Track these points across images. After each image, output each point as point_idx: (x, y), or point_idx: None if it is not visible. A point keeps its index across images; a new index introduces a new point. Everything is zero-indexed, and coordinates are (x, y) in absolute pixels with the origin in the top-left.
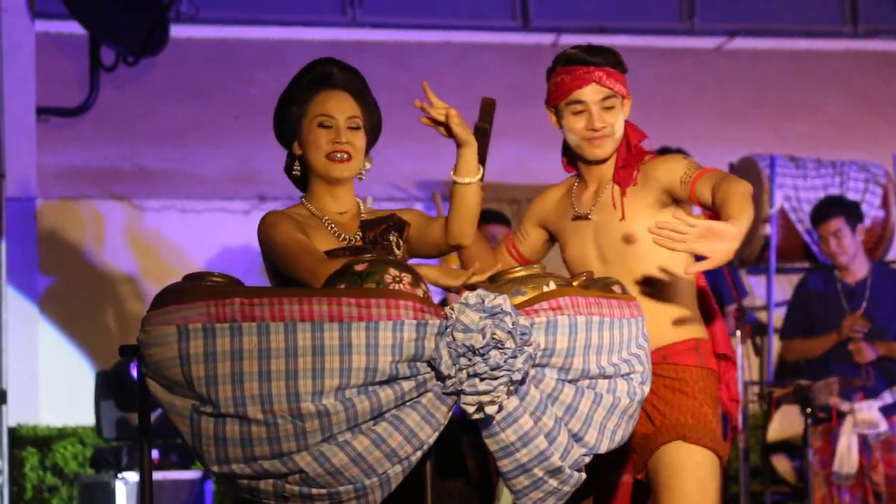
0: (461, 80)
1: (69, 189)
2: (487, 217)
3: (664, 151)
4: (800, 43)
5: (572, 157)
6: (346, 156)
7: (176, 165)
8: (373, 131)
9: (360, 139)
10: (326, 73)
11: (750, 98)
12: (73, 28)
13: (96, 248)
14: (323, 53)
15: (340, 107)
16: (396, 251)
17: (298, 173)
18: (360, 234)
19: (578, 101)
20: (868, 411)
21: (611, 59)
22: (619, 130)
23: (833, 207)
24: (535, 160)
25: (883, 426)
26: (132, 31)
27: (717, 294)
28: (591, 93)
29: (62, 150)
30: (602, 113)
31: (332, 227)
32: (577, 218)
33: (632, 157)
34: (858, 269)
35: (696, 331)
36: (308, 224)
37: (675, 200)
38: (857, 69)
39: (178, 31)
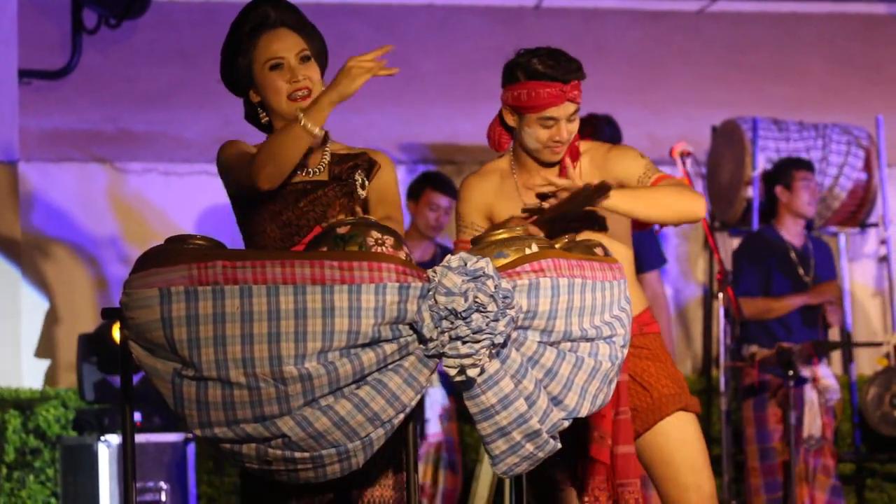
0: (444, 43)
1: (51, 152)
2: (436, 183)
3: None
4: (783, 6)
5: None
6: (306, 91)
7: (159, 128)
8: (321, 57)
9: (313, 70)
10: (263, 14)
11: (733, 61)
12: None
13: (79, 211)
14: (307, 17)
15: (286, 44)
16: (361, 191)
17: (266, 120)
18: (329, 164)
19: (551, 118)
20: (828, 377)
21: (579, 73)
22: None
23: (802, 161)
24: None
25: (837, 392)
26: None
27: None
28: (563, 110)
29: (44, 112)
30: (567, 125)
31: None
32: (528, 210)
33: (570, 155)
34: (801, 231)
35: (644, 300)
36: None
37: None
38: (841, 32)
39: None
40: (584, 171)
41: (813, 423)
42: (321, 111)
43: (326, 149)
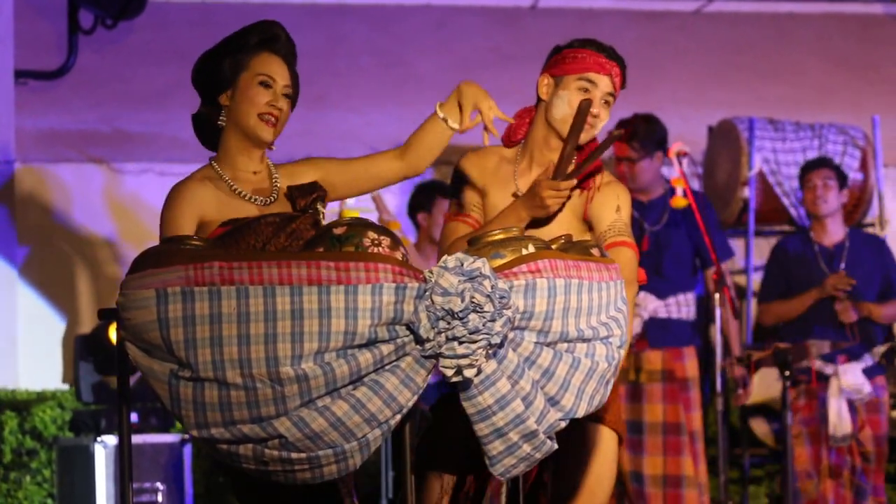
0: (441, 43)
1: (47, 152)
2: (444, 190)
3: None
4: (780, 6)
5: (532, 131)
6: (274, 119)
7: (155, 129)
8: (294, 100)
9: (288, 107)
10: (275, 35)
11: (730, 61)
12: None
13: (75, 212)
14: (303, 17)
15: (281, 72)
16: (321, 221)
17: (223, 124)
18: (289, 197)
19: (591, 81)
20: (852, 375)
21: (624, 70)
22: (599, 130)
23: (826, 161)
24: None
25: (867, 389)
26: None
27: (700, 258)
28: (604, 81)
29: (41, 113)
30: (601, 104)
31: (241, 192)
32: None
33: (594, 169)
34: (836, 231)
35: None
36: (218, 195)
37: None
38: (837, 32)
39: None
40: (573, 192)
41: (839, 422)
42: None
43: (275, 175)
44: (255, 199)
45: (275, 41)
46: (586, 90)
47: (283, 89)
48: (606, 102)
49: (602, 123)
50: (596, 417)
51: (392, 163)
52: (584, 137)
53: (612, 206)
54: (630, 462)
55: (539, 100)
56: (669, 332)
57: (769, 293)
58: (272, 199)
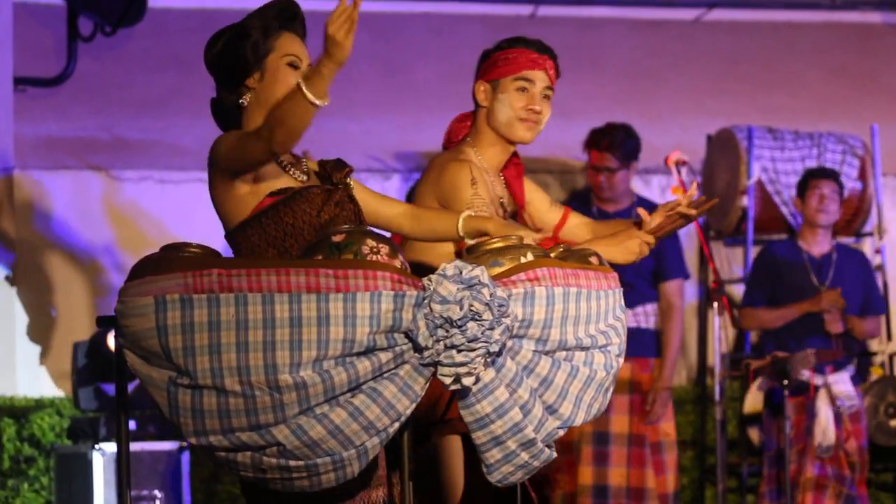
0: (441, 51)
1: (46, 159)
2: None
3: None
4: (779, 14)
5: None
6: None
7: (154, 136)
8: None
9: None
10: (294, 14)
11: (728, 70)
12: None
13: (74, 219)
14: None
15: (304, 53)
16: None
17: (246, 103)
18: (321, 172)
19: (528, 80)
20: (842, 385)
21: (556, 61)
22: (543, 126)
23: (829, 172)
24: None
25: (856, 399)
26: (111, 0)
27: (660, 269)
28: (540, 77)
29: (39, 120)
30: (541, 100)
31: (284, 164)
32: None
33: (517, 172)
34: (824, 242)
35: None
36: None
37: None
38: (836, 41)
39: (155, 1)
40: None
41: (824, 432)
42: (322, 82)
43: (301, 155)
44: (295, 174)
45: (294, 20)
46: (525, 89)
47: (307, 68)
48: (546, 97)
49: (545, 118)
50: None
51: (400, 220)
52: (528, 137)
53: (533, 186)
54: (594, 475)
55: (478, 106)
56: (637, 342)
57: (755, 298)
58: (305, 175)
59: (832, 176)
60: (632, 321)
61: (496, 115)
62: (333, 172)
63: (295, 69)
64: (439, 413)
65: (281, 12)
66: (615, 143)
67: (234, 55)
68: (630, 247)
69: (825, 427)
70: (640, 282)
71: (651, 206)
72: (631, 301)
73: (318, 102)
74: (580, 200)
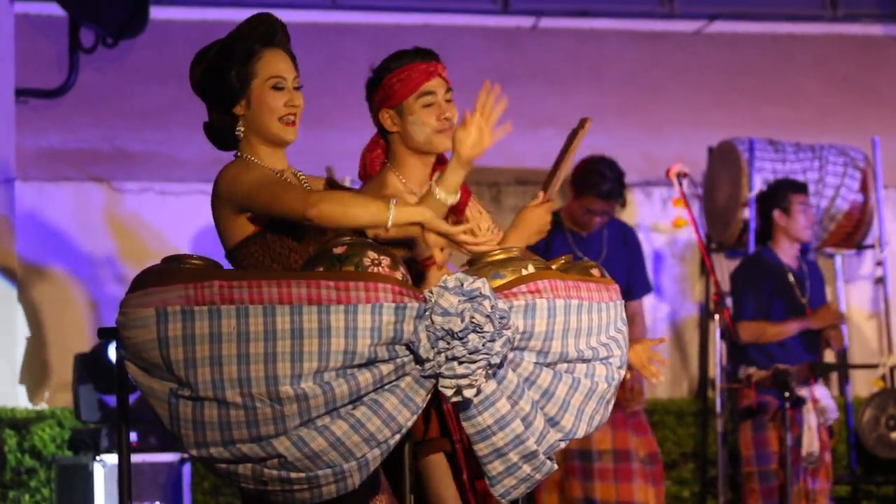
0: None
1: (48, 171)
2: None
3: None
4: (780, 27)
5: (393, 157)
6: (294, 118)
7: (155, 147)
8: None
9: (302, 99)
10: (272, 30)
11: (730, 82)
12: (53, 9)
13: (75, 231)
14: (302, 36)
15: (287, 67)
16: None
17: (241, 132)
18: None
19: (429, 93)
20: (824, 397)
21: (438, 57)
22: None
23: (798, 184)
24: (515, 143)
25: (835, 412)
26: (112, 12)
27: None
28: (438, 85)
29: (41, 131)
30: (447, 105)
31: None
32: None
33: (467, 197)
34: (796, 253)
35: None
36: None
37: None
38: (837, 53)
39: (157, 12)
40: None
41: (811, 443)
42: (409, 214)
43: (300, 174)
44: None
45: (273, 35)
46: (430, 103)
47: (294, 83)
48: (449, 101)
49: (456, 118)
50: None
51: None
52: (449, 145)
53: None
54: (581, 488)
55: (389, 132)
56: None
57: (750, 310)
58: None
59: (806, 189)
60: None
61: (413, 136)
62: None
63: (280, 90)
64: (419, 434)
65: (260, 32)
66: (615, 190)
67: (219, 81)
68: (529, 220)
69: (812, 438)
70: None
71: (614, 224)
72: None
73: (388, 225)
74: (554, 225)
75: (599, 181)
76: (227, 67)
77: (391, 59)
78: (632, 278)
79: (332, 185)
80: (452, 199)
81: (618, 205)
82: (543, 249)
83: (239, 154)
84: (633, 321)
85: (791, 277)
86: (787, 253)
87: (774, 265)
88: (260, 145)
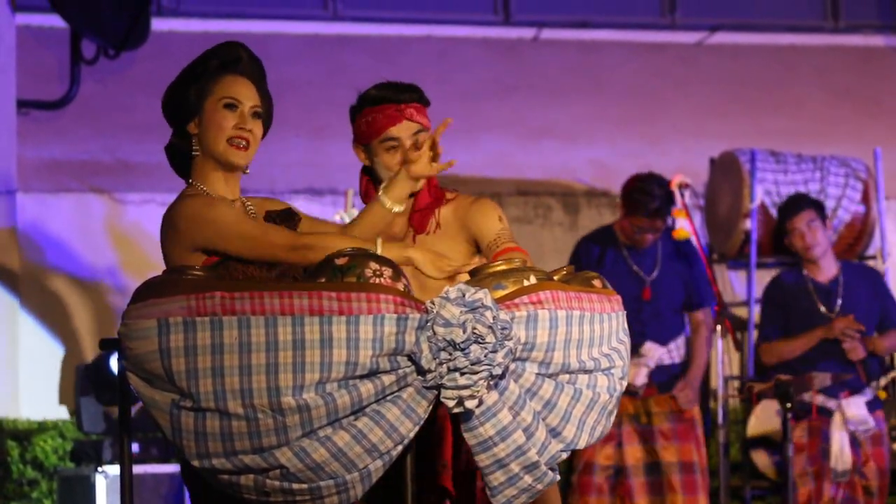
0: (443, 74)
1: (49, 182)
2: None
3: None
4: (781, 38)
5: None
6: (245, 143)
7: (157, 159)
8: (268, 119)
9: (259, 129)
10: (237, 56)
11: (731, 93)
12: (54, 21)
13: (77, 242)
14: (305, 47)
15: (247, 93)
16: None
17: (198, 153)
18: (272, 221)
19: (392, 139)
20: (856, 408)
21: (416, 95)
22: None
23: (804, 201)
24: (516, 153)
25: (871, 422)
26: (114, 23)
27: (688, 299)
28: (404, 129)
29: (43, 143)
30: (414, 148)
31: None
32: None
33: (432, 202)
34: (829, 266)
35: None
36: None
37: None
38: (838, 64)
39: (159, 24)
40: (446, 220)
41: (840, 457)
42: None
43: (248, 204)
44: None
45: (237, 63)
46: (393, 146)
47: (251, 109)
48: (416, 143)
49: (426, 153)
50: None
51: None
52: (429, 171)
53: (493, 216)
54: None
55: (368, 164)
56: (672, 376)
57: (770, 332)
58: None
59: (805, 205)
60: (667, 358)
61: (379, 175)
62: (279, 224)
63: (232, 110)
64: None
65: (223, 55)
66: (663, 209)
67: (176, 101)
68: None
69: (840, 451)
70: (674, 317)
71: (668, 237)
72: (665, 338)
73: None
74: (608, 239)
75: (648, 200)
76: (187, 85)
77: (367, 94)
78: (691, 289)
79: (286, 213)
80: (398, 208)
81: (668, 219)
82: (597, 264)
83: (191, 181)
84: (697, 331)
85: (813, 293)
86: (812, 268)
87: (792, 283)
88: (212, 172)
